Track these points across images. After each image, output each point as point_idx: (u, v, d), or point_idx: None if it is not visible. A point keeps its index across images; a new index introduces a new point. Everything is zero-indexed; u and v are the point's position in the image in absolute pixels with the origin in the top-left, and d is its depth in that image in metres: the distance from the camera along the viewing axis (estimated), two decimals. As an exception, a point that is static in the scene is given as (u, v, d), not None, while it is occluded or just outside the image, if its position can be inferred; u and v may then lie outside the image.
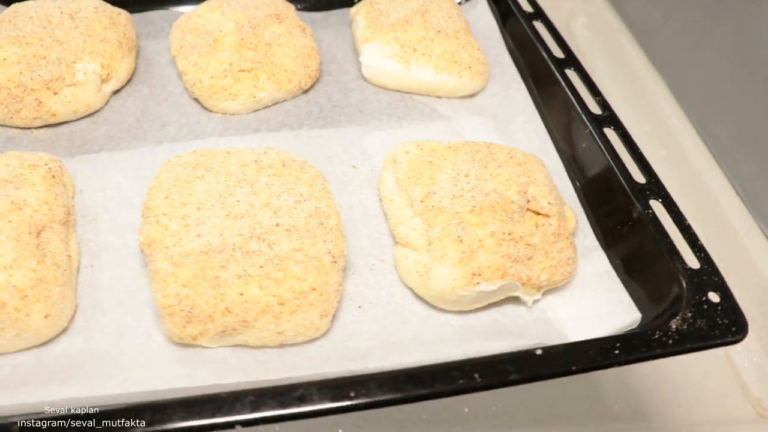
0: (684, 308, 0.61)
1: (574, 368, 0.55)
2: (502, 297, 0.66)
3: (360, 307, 0.65)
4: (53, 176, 0.66)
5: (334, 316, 0.62)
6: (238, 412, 0.48)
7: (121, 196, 0.71)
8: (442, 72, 0.85)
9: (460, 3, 1.00)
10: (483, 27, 0.97)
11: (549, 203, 0.68)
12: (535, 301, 0.67)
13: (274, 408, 0.49)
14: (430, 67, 0.85)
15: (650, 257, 0.67)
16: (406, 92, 0.88)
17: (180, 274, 0.57)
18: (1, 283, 0.56)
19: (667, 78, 1.12)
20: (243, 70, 0.80)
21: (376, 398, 0.50)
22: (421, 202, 0.66)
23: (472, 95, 0.89)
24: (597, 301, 0.67)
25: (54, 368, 0.57)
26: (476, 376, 0.53)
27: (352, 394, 0.51)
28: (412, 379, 0.52)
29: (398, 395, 0.51)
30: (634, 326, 0.65)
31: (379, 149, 0.79)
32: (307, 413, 0.49)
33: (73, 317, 0.61)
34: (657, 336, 0.59)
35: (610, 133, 0.78)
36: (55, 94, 0.76)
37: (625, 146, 0.77)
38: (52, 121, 0.77)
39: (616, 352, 0.57)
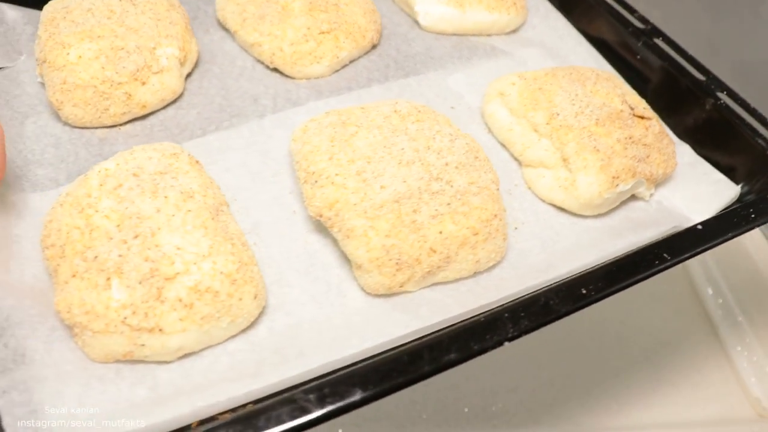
0: (779, 174, 0.73)
1: (730, 234, 0.65)
2: (628, 196, 0.74)
3: (516, 228, 0.70)
4: (197, 161, 0.65)
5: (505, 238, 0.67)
6: (505, 331, 0.53)
7: (252, 173, 0.70)
8: (493, 11, 0.90)
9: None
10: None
11: (644, 108, 0.76)
12: (651, 195, 0.76)
13: (534, 319, 0.54)
14: (482, 7, 0.90)
15: (730, 144, 0.78)
16: (463, 34, 0.92)
17: (379, 226, 0.59)
18: (210, 272, 0.55)
19: None
20: (323, 32, 0.80)
21: (606, 291, 0.57)
22: (547, 124, 0.72)
23: (515, 30, 0.95)
24: (700, 185, 0.77)
25: (274, 347, 0.57)
26: (666, 255, 0.61)
27: (584, 292, 0.57)
28: (622, 269, 0.59)
29: (622, 283, 0.58)
30: (736, 199, 0.76)
31: (466, 88, 0.83)
32: (561, 314, 0.54)
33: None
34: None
35: (660, 43, 0.88)
36: (143, 84, 0.72)
37: (675, 53, 0.86)
38: (141, 113, 0.74)
39: (753, 216, 0.67)
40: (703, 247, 0.64)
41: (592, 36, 0.94)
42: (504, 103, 0.77)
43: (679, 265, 0.93)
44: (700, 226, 0.65)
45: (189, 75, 0.80)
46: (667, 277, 0.94)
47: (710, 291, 0.92)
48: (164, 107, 0.76)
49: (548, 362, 0.85)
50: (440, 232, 0.61)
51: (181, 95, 0.78)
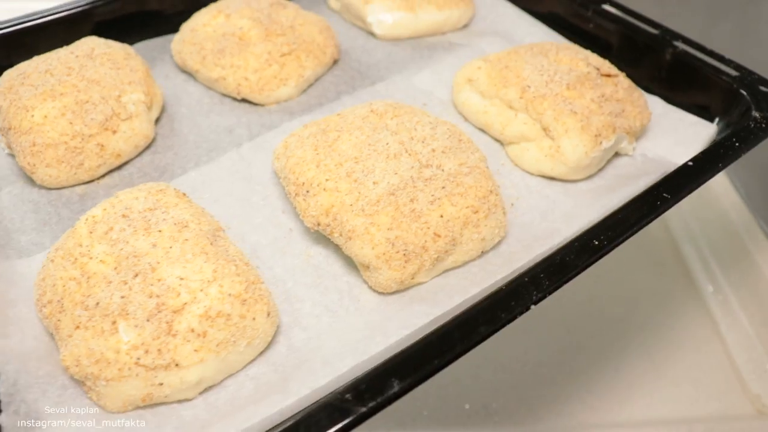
0: (752, 101, 0.74)
1: (720, 165, 0.66)
2: (612, 153, 0.75)
3: (512, 204, 0.70)
4: (184, 194, 0.63)
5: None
6: (529, 295, 0.52)
7: (240, 200, 0.69)
8: (443, 9, 0.92)
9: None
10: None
11: (609, 66, 0.78)
12: (634, 149, 0.77)
13: (554, 278, 0.53)
14: (432, 7, 0.92)
15: (695, 83, 0.80)
16: (418, 37, 0.93)
17: (380, 221, 0.59)
18: (218, 296, 0.54)
19: None
20: (284, 54, 0.80)
21: (618, 239, 0.56)
22: (520, 98, 0.73)
23: (467, 24, 0.97)
24: (677, 131, 0.78)
25: (297, 362, 0.55)
26: (666, 195, 0.61)
27: (596, 243, 0.56)
28: (628, 215, 0.59)
29: (631, 230, 0.58)
30: (714, 137, 0.77)
31: (434, 84, 0.84)
32: (579, 268, 0.54)
33: (276, 314, 0.60)
34: (753, 125, 0.71)
35: (608, 8, 0.90)
36: (114, 132, 0.71)
37: (626, 15, 0.89)
38: (117, 163, 0.73)
39: (737, 144, 0.68)
40: (698, 182, 0.64)
41: (543, 15, 0.97)
42: (474, 89, 0.78)
43: (679, 261, 0.95)
44: (691, 163, 0.66)
45: (158, 120, 0.80)
46: (667, 275, 0.96)
47: (711, 288, 0.93)
48: (139, 154, 0.75)
49: (549, 359, 0.85)
50: (441, 216, 0.60)
51: (153, 140, 0.77)
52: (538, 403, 0.80)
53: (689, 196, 0.64)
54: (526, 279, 0.53)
